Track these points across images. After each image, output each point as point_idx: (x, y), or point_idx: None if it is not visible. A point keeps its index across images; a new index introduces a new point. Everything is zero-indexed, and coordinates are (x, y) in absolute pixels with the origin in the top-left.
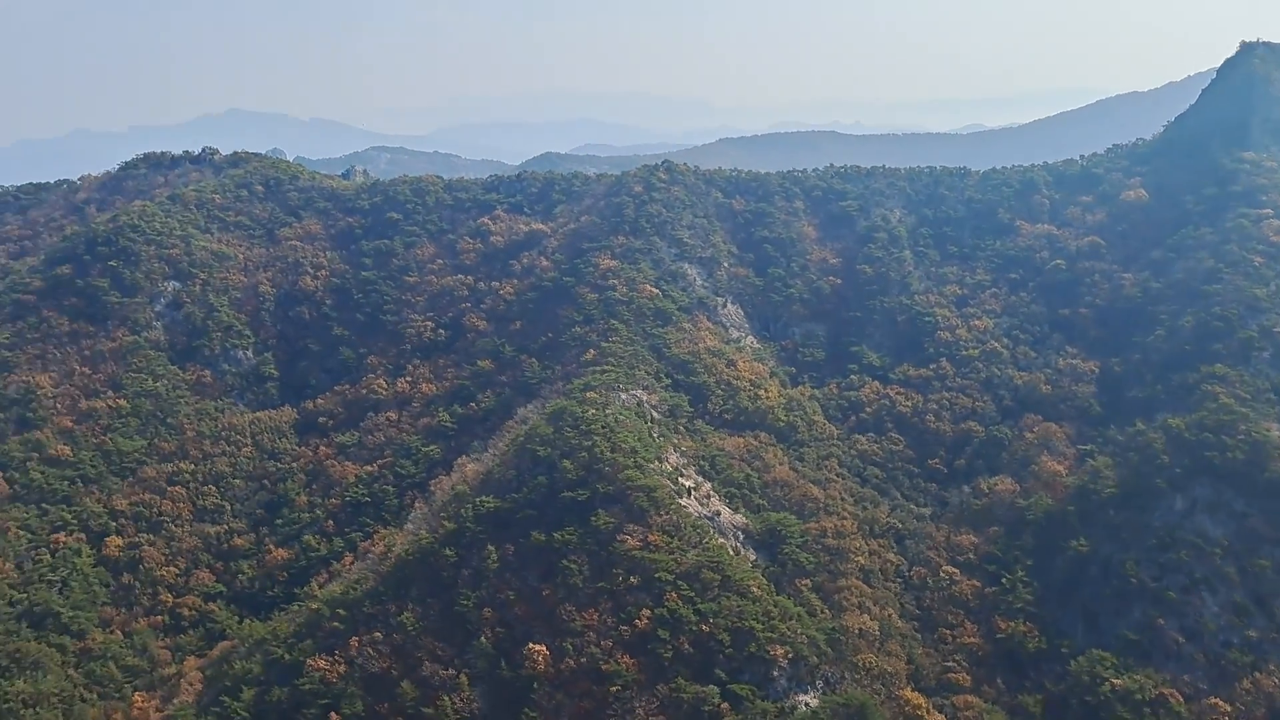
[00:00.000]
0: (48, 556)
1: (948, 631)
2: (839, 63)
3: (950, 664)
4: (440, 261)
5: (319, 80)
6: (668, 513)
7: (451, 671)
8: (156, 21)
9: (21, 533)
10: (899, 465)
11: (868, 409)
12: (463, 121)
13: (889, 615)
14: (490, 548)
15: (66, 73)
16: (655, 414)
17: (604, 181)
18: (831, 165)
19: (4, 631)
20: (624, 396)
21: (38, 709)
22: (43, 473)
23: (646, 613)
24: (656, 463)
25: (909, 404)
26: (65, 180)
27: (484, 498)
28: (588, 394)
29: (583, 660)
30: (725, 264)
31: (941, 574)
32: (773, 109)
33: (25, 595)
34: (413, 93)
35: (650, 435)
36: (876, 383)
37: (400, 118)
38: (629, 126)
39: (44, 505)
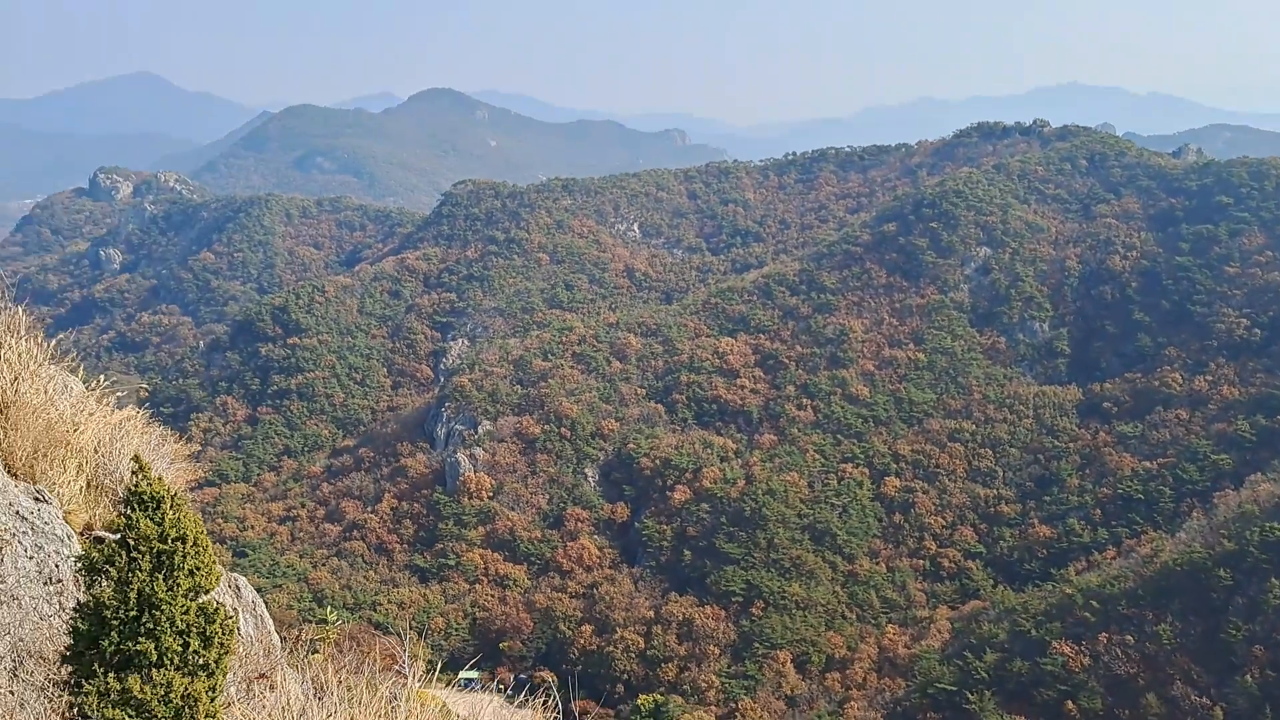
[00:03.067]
0: (834, 482)
1: None
2: None
3: None
4: (1269, 254)
5: (1159, 53)
6: None
7: (1206, 701)
8: None
9: (816, 456)
10: None
11: None
12: None
13: None
14: (1274, 580)
15: (914, 45)
16: None
17: None
18: None
19: (790, 539)
20: None
21: (805, 613)
22: (842, 408)
23: None
24: None
25: None
26: (904, 144)
27: (1275, 524)
28: None
29: None
30: None
31: None
32: None
33: (811, 511)
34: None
35: None
36: None
37: (1247, 94)
38: None
39: (838, 436)
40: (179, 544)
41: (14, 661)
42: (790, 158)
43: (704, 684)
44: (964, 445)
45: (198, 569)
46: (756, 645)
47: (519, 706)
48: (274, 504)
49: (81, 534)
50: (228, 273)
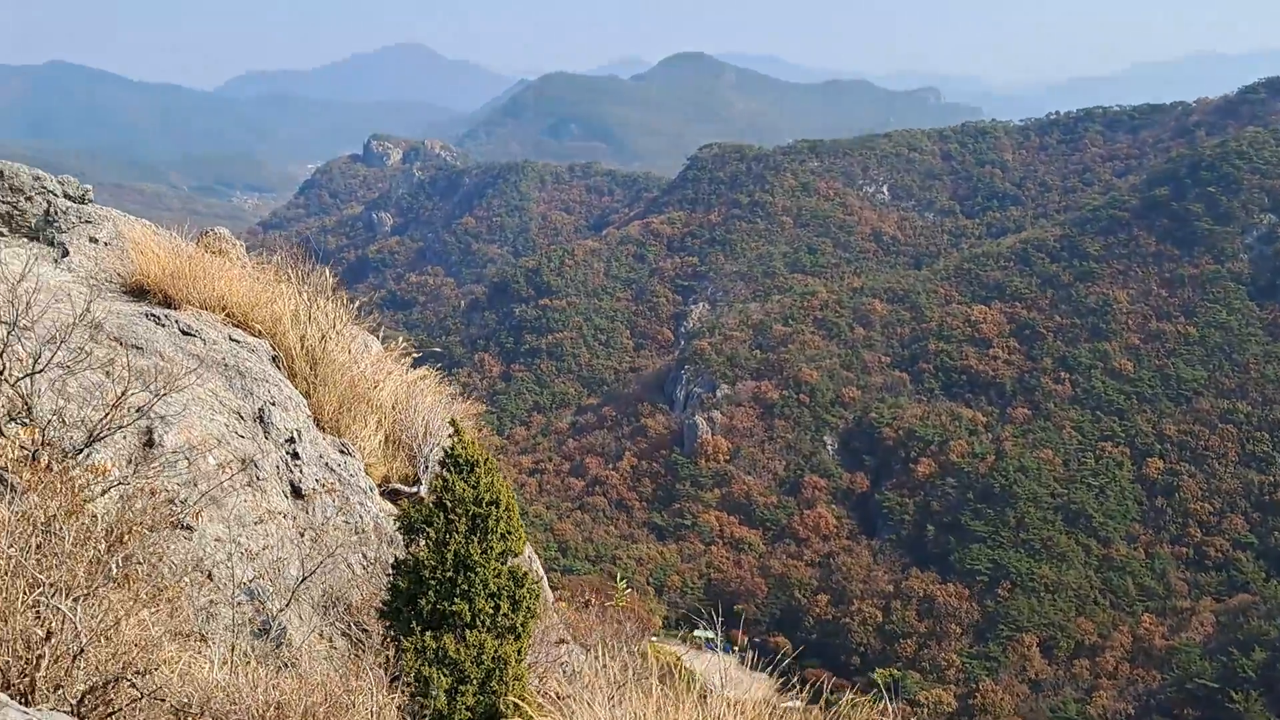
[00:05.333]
0: (1092, 461)
1: None
2: None
3: None
4: None
5: None
6: None
7: None
8: None
9: (1073, 433)
10: None
11: None
12: None
13: None
14: None
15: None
16: None
17: None
18: None
19: (1041, 519)
20: None
21: (1055, 596)
22: (1103, 383)
23: None
24: None
25: None
26: (1180, 102)
27: None
28: None
29: None
30: None
31: None
32: None
33: (1066, 491)
34: None
35: None
36: None
37: None
38: None
39: (1098, 413)
40: (492, 507)
41: (325, 605)
42: (1052, 117)
43: (943, 662)
44: (1238, 427)
45: (509, 533)
46: (1001, 626)
47: (752, 669)
48: (524, 457)
49: (380, 487)
50: (487, 236)
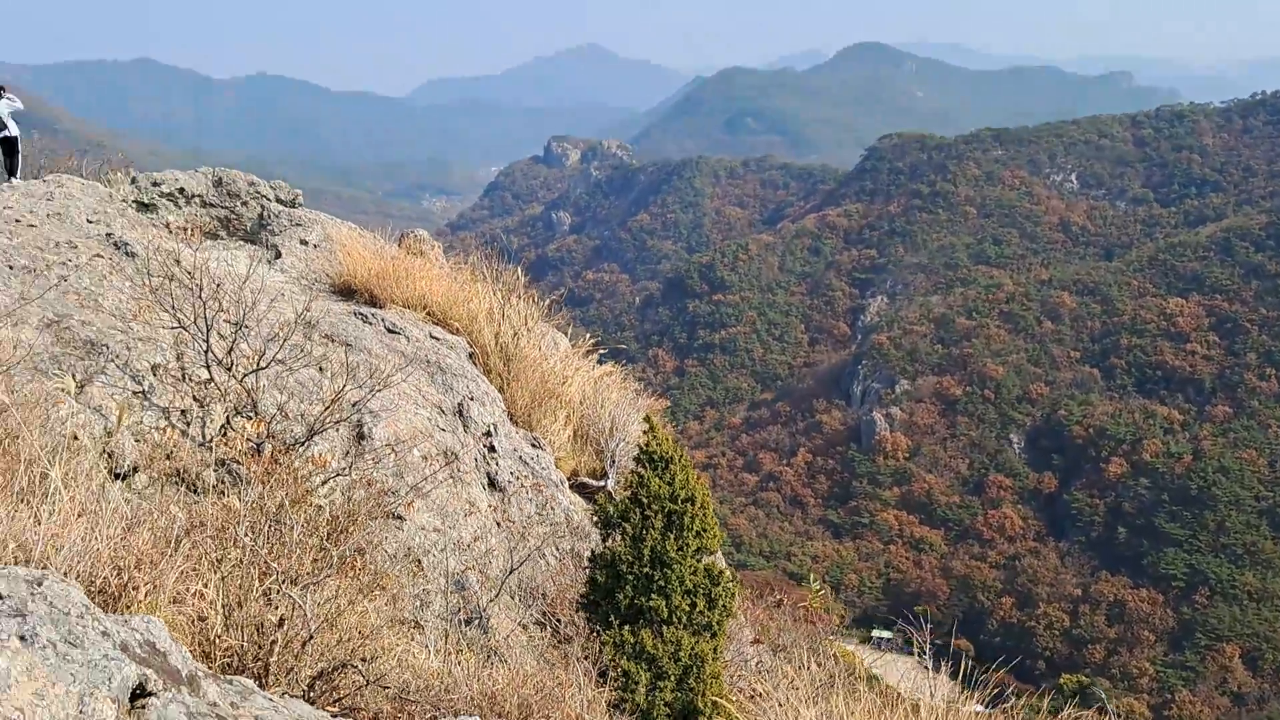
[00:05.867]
0: None
1: None
2: None
3: None
4: None
5: None
6: None
7: None
8: None
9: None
10: None
11: None
12: None
13: None
14: None
15: None
16: None
17: None
18: None
19: (1244, 523)
20: None
21: (1260, 605)
22: None
23: None
24: None
25: None
26: None
27: None
28: None
29: None
30: None
31: None
32: None
33: (1271, 494)
34: None
35: None
36: None
37: None
38: None
39: None
40: (688, 504)
41: (523, 596)
42: (1258, 98)
43: (1135, 670)
44: None
45: (704, 530)
46: (1199, 635)
47: (934, 672)
48: (697, 451)
49: (569, 480)
50: (661, 233)
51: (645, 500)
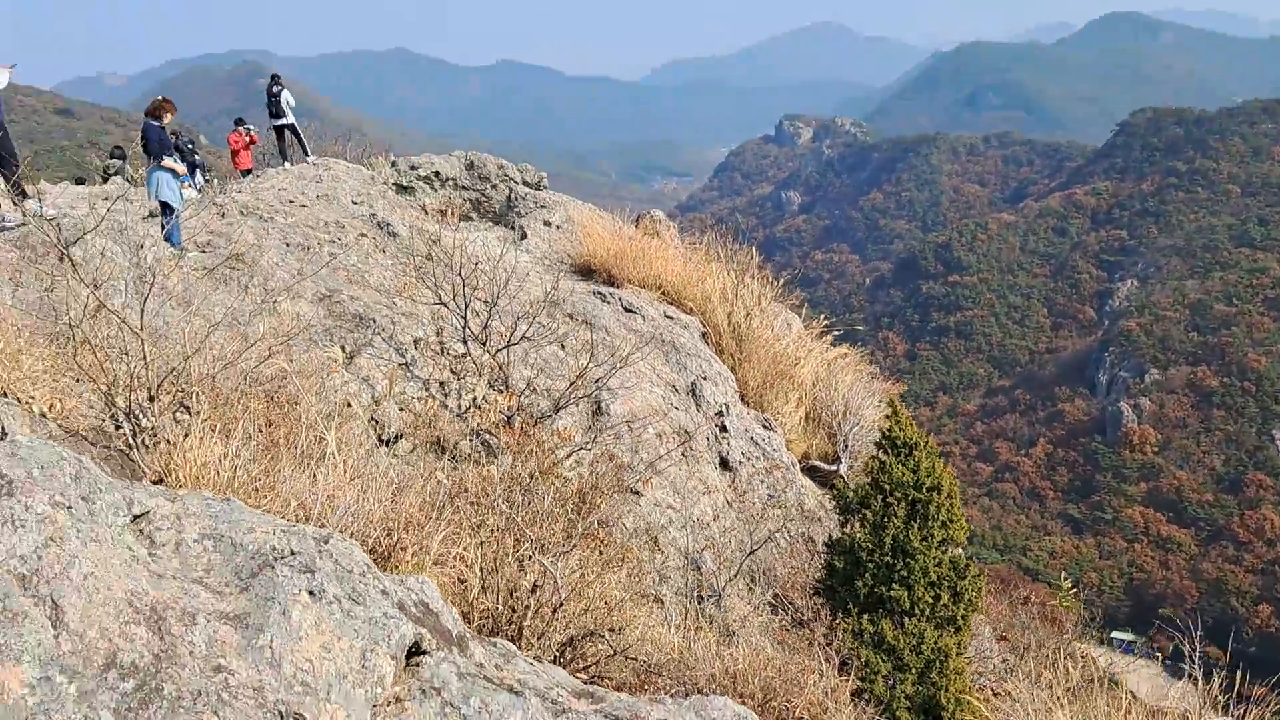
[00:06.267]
0: None
1: None
2: None
3: None
4: None
5: None
6: None
7: None
8: None
9: None
10: None
11: None
12: None
13: None
14: None
15: None
16: None
17: None
18: None
19: None
20: None
21: None
22: None
23: None
24: None
25: None
26: None
27: None
28: None
29: None
30: None
31: None
32: None
33: None
34: None
35: None
36: None
37: None
38: None
39: None
40: (933, 493)
41: (755, 577)
42: None
43: None
44: None
45: (950, 521)
46: None
47: (1179, 679)
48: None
49: (800, 463)
50: (894, 212)
51: (887, 487)
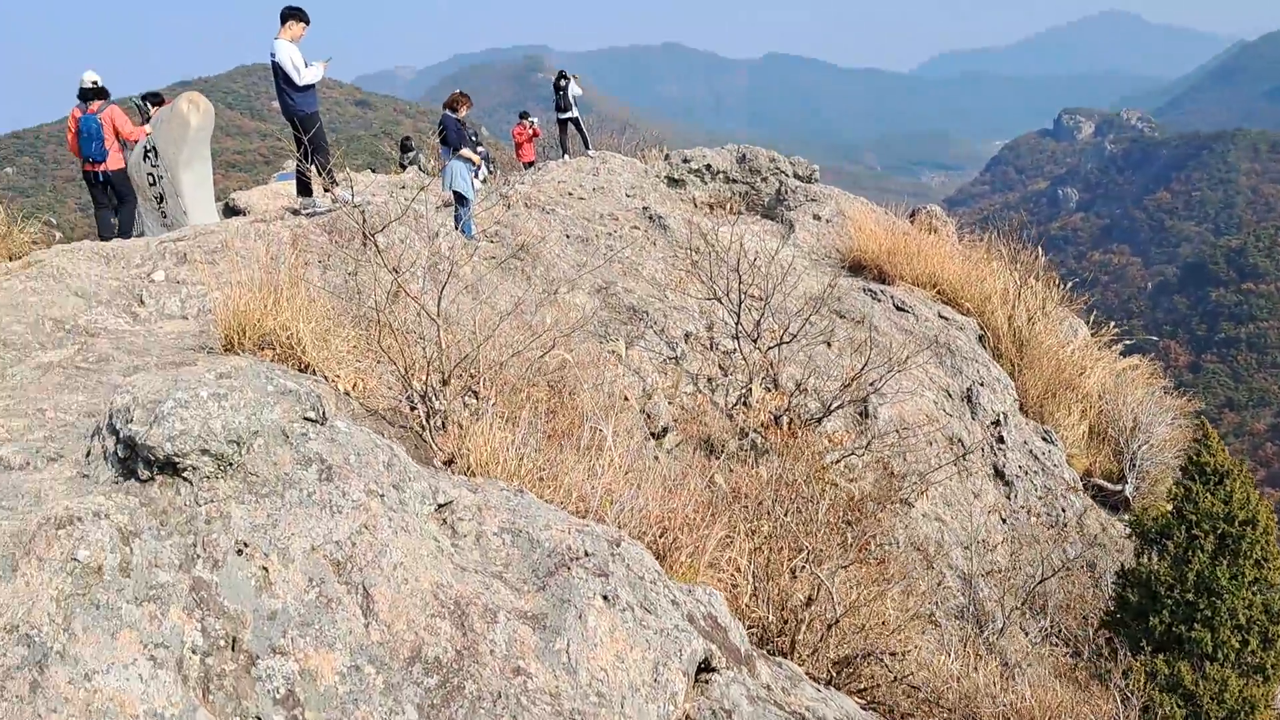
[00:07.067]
0: None
1: None
2: None
3: None
4: None
5: None
6: None
7: None
8: None
9: None
10: None
11: None
12: None
13: None
14: None
15: None
16: None
17: None
18: None
19: None
20: None
21: None
22: None
23: None
24: None
25: None
26: None
27: None
28: None
29: None
30: None
31: None
32: None
33: None
34: None
35: None
36: None
37: None
38: None
39: None
40: (1246, 528)
41: (1026, 601)
42: None
43: None
44: None
45: (1265, 559)
46: None
47: None
48: None
49: (1082, 480)
50: (1183, 213)
51: (1193, 518)
